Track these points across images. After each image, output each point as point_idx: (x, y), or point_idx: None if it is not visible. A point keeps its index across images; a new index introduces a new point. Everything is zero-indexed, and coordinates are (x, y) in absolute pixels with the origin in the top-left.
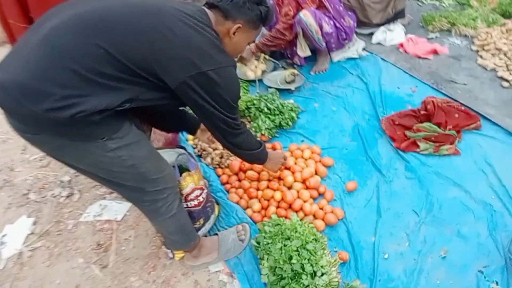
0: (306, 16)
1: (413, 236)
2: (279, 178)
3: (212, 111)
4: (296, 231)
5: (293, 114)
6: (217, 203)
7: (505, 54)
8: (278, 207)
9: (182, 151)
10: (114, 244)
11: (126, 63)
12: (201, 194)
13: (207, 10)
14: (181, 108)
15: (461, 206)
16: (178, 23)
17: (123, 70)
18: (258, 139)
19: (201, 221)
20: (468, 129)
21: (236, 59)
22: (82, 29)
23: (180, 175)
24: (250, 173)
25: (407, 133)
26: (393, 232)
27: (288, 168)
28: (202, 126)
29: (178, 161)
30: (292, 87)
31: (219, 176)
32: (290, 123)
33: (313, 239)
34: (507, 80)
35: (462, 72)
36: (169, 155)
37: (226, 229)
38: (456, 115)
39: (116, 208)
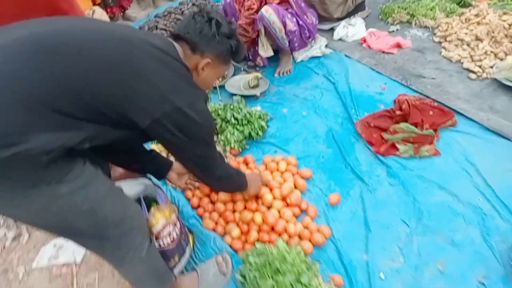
0: (269, 12)
1: (406, 249)
2: (256, 197)
3: (187, 148)
4: (285, 260)
5: (263, 123)
6: (191, 232)
7: (468, 45)
8: (259, 230)
9: (147, 181)
10: None
11: (89, 101)
12: (174, 229)
13: (174, 43)
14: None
15: (450, 211)
16: (148, 56)
17: (84, 108)
18: (228, 153)
19: (176, 258)
20: (444, 127)
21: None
22: (38, 54)
23: (148, 210)
24: (222, 194)
25: (384, 135)
26: (385, 247)
27: (265, 185)
28: (179, 170)
29: (144, 192)
30: (257, 92)
31: (188, 199)
32: (260, 132)
33: (305, 268)
34: (473, 72)
35: (428, 65)
36: (132, 187)
37: (203, 261)
38: (431, 113)
39: (74, 247)
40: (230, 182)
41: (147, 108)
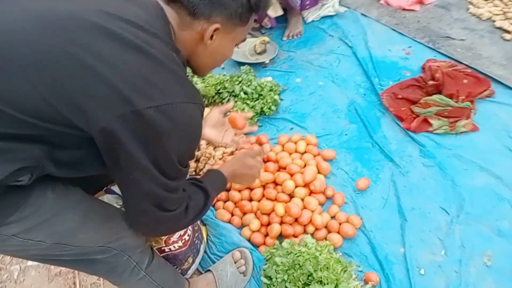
0: None
1: (448, 241)
2: (275, 183)
3: (137, 176)
4: (317, 262)
5: (275, 96)
6: (204, 224)
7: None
8: (281, 222)
9: None
10: None
11: (15, 114)
12: (185, 232)
13: (164, 6)
14: None
15: (494, 196)
16: (102, 37)
17: (11, 124)
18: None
19: (190, 260)
20: (481, 97)
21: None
22: None
23: None
24: None
25: (415, 108)
26: (424, 238)
27: (284, 168)
28: (213, 120)
29: None
30: (266, 59)
31: None
32: (273, 107)
33: (341, 271)
34: (508, 31)
35: (455, 24)
36: None
37: (219, 257)
38: (465, 81)
39: None
40: (198, 212)
41: (95, 111)
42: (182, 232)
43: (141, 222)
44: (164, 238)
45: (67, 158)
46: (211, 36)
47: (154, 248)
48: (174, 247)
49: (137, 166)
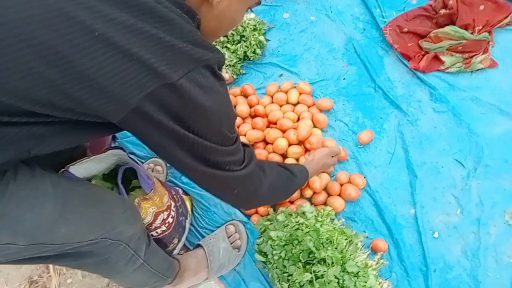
0: None
1: (464, 198)
2: (265, 142)
3: (191, 153)
4: (318, 235)
5: (260, 37)
6: (186, 194)
7: None
8: None
9: (119, 152)
10: (55, 278)
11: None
12: (169, 215)
13: None
14: None
15: None
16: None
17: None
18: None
19: (175, 241)
20: (500, 26)
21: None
22: None
23: (128, 191)
24: None
25: (423, 43)
26: (436, 197)
27: (274, 123)
28: None
29: (117, 163)
30: None
31: None
32: (258, 50)
33: (346, 244)
34: None
35: None
36: (100, 162)
37: (209, 231)
38: (482, 7)
39: None
40: (278, 194)
41: (118, 93)
42: (165, 215)
43: (225, 193)
44: (146, 224)
45: (60, 142)
46: None
47: None
48: (157, 232)
49: (183, 144)
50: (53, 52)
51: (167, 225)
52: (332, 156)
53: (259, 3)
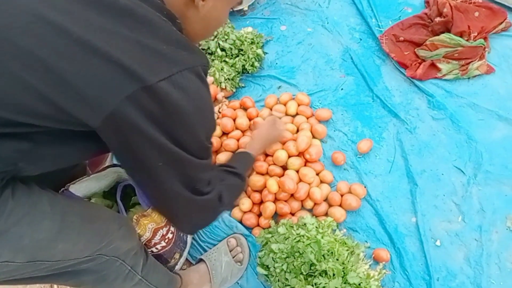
0: None
1: (465, 205)
2: (265, 154)
3: (162, 162)
4: (319, 247)
5: (258, 50)
6: None
7: None
8: (275, 199)
9: (119, 169)
10: None
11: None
12: (168, 230)
13: None
14: None
15: None
16: (85, 4)
17: None
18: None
19: (176, 256)
20: (495, 32)
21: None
22: None
23: (127, 208)
24: (220, 156)
25: (420, 52)
26: (437, 205)
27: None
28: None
29: (117, 180)
30: (244, 5)
31: None
32: (256, 63)
33: (348, 255)
34: None
35: None
36: (100, 180)
37: (211, 245)
38: (476, 14)
39: None
40: (234, 194)
41: (97, 97)
42: (164, 231)
43: (180, 214)
44: (144, 241)
45: (49, 156)
46: None
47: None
48: (156, 248)
49: (161, 152)
50: (33, 57)
51: (167, 240)
52: (275, 127)
53: (240, 3)
